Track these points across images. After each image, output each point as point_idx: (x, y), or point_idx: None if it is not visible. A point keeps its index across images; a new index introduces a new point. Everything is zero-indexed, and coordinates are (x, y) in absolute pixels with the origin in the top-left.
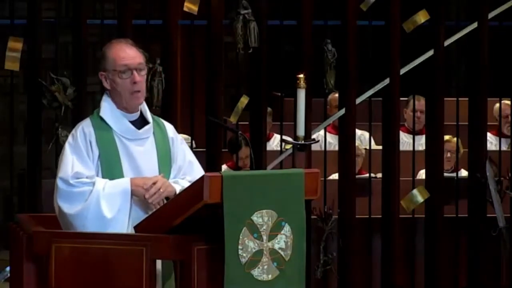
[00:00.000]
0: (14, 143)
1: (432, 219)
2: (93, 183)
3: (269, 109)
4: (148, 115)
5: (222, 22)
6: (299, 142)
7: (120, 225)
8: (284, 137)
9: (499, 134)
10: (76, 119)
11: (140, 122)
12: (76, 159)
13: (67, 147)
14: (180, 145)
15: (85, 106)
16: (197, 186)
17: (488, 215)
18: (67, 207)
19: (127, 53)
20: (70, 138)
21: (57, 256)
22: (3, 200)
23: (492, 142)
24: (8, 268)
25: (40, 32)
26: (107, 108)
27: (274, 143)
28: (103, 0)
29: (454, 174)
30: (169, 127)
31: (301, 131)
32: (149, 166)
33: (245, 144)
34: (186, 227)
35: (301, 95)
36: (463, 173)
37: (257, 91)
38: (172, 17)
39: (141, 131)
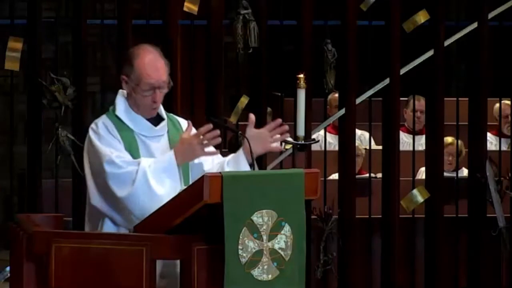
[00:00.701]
0: (14, 143)
1: (432, 219)
2: (138, 163)
3: (269, 109)
4: (163, 112)
5: (222, 22)
6: (299, 142)
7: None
8: None
9: (499, 134)
10: (76, 119)
11: (156, 120)
12: (113, 146)
13: (95, 140)
14: None
15: (85, 106)
16: (197, 186)
17: (488, 215)
18: (118, 191)
19: (154, 71)
20: (92, 133)
21: (57, 256)
22: (3, 200)
23: (492, 142)
24: (8, 268)
25: (40, 32)
26: (122, 107)
27: None
28: (103, 0)
29: (454, 174)
30: (185, 124)
31: (301, 131)
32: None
33: None
34: (186, 227)
35: (301, 95)
36: (465, 172)
37: (257, 91)
38: (172, 17)
39: (157, 127)
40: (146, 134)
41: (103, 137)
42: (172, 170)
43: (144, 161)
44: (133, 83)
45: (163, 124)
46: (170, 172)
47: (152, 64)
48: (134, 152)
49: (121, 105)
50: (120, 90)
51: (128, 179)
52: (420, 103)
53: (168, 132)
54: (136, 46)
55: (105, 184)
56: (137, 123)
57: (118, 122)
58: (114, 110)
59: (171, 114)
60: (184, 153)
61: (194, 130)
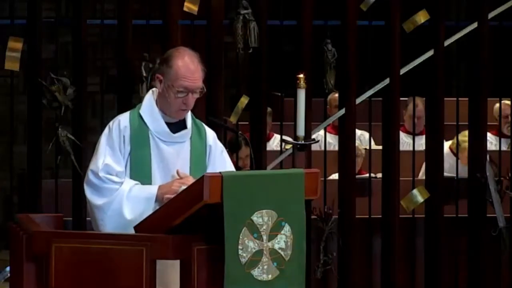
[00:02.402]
0: (14, 143)
1: (432, 219)
2: (121, 183)
3: (269, 109)
4: (188, 120)
5: (222, 22)
6: (299, 142)
7: None
8: (284, 137)
9: (499, 134)
10: (76, 119)
11: (179, 126)
12: (109, 152)
13: (102, 138)
14: (221, 154)
15: (85, 106)
16: (197, 186)
17: (488, 215)
18: (93, 198)
19: (191, 73)
20: (106, 130)
21: (57, 256)
22: (3, 200)
23: (492, 142)
24: (8, 268)
25: (40, 32)
26: (147, 106)
27: (274, 143)
28: (103, 0)
29: (454, 174)
30: (210, 135)
31: (301, 131)
32: (180, 169)
33: (245, 144)
34: (186, 227)
35: (301, 95)
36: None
37: (257, 91)
38: (172, 17)
39: (176, 135)
40: (163, 138)
41: (111, 137)
42: (149, 202)
43: (127, 184)
44: (168, 82)
45: (184, 132)
46: (146, 204)
47: (189, 67)
48: (143, 154)
49: (147, 103)
50: (151, 90)
51: (106, 194)
52: (419, 108)
53: (191, 139)
54: (175, 48)
55: (84, 185)
56: (156, 124)
57: (137, 121)
58: (139, 107)
59: (200, 121)
60: (165, 189)
61: (220, 147)
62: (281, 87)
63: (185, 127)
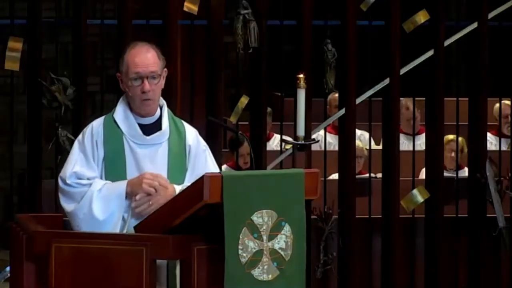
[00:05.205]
0: (14, 143)
1: (432, 219)
2: (90, 185)
3: (269, 109)
4: (164, 121)
5: (222, 22)
6: (299, 142)
7: (111, 228)
8: (284, 137)
9: (499, 134)
10: (76, 119)
11: (156, 127)
12: (80, 159)
13: (75, 145)
14: (202, 153)
15: (85, 106)
16: (197, 186)
17: (488, 215)
18: (65, 205)
19: (141, 60)
20: (80, 136)
21: (57, 256)
22: (3, 200)
23: (492, 142)
24: (8, 268)
25: (40, 32)
26: (120, 109)
27: (274, 143)
28: (103, 0)
29: (454, 174)
30: (190, 134)
31: (301, 131)
32: (157, 172)
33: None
34: (186, 227)
35: (301, 95)
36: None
37: (257, 91)
38: (172, 17)
39: (148, 137)
40: (135, 140)
41: (83, 143)
42: (119, 200)
43: (97, 184)
44: (124, 75)
45: (157, 134)
46: (117, 202)
47: (139, 53)
48: (117, 158)
49: (120, 106)
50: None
51: (76, 198)
52: (410, 110)
53: (169, 140)
54: None
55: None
56: (129, 126)
57: (111, 125)
58: (114, 111)
59: (180, 120)
60: (134, 185)
61: (203, 145)
62: (281, 87)
63: (160, 128)
